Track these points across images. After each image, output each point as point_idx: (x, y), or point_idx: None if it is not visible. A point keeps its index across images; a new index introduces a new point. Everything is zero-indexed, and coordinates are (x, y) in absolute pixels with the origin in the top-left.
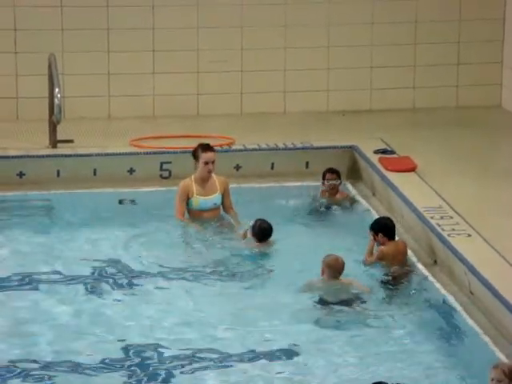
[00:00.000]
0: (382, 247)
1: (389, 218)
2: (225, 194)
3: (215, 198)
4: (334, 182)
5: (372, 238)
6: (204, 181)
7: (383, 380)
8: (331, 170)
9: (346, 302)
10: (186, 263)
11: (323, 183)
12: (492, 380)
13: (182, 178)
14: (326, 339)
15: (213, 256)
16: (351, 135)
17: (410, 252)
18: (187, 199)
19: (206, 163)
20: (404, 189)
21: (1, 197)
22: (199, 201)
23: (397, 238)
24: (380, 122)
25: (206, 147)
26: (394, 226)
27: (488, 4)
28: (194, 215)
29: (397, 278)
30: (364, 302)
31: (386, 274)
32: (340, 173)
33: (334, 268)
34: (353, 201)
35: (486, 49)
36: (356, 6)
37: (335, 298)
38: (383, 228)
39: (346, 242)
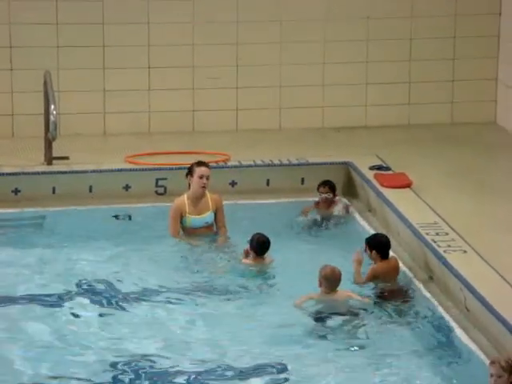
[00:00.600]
0: (375, 266)
1: (385, 237)
2: (218, 212)
3: (207, 217)
4: (325, 195)
5: (365, 250)
6: (197, 198)
7: None
8: (324, 183)
9: (343, 316)
10: (181, 280)
11: (319, 195)
12: (492, 376)
13: (177, 194)
14: (321, 353)
15: (208, 273)
16: (346, 151)
17: (405, 268)
18: (181, 218)
19: (201, 177)
20: (399, 205)
21: None
22: (191, 220)
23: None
24: (375, 139)
25: (201, 162)
26: (389, 244)
27: (483, 20)
28: (188, 232)
29: (391, 294)
30: (360, 316)
31: (381, 292)
32: (334, 185)
33: (331, 279)
34: (348, 209)
35: (481, 65)
36: (351, 23)
37: (333, 312)
38: (378, 246)
39: (342, 254)
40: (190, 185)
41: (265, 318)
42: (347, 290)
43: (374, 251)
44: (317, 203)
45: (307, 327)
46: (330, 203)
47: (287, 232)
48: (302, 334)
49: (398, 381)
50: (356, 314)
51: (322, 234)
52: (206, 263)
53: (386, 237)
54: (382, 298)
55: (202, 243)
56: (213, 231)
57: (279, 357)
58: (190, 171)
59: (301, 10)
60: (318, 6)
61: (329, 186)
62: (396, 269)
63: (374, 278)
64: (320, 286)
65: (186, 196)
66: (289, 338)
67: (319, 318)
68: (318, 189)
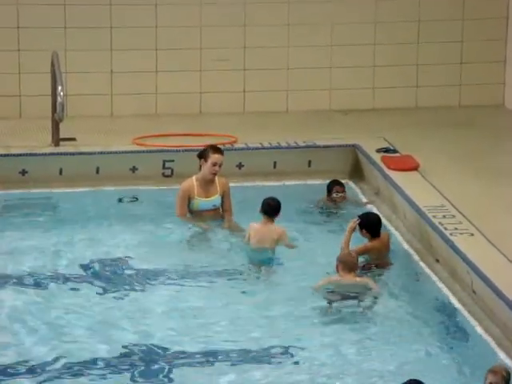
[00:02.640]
0: (368, 244)
1: (376, 216)
2: (224, 196)
3: (215, 200)
4: (342, 194)
5: (357, 226)
6: (207, 182)
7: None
8: (338, 183)
9: (356, 300)
10: (188, 262)
11: (329, 195)
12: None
13: (184, 176)
14: (332, 337)
15: (214, 255)
16: (354, 134)
17: (412, 251)
18: (188, 200)
19: (214, 164)
20: (406, 188)
21: (3, 195)
22: (199, 203)
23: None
24: (382, 121)
25: (217, 149)
26: (379, 224)
27: (491, 2)
28: (195, 215)
29: (379, 265)
30: (370, 301)
31: (369, 263)
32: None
33: (347, 263)
34: (358, 204)
35: (489, 48)
36: (359, 5)
37: (348, 296)
38: (368, 225)
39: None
40: (200, 167)
41: (274, 301)
42: (365, 276)
43: (363, 230)
44: (330, 200)
45: (321, 311)
46: (342, 199)
47: (295, 215)
48: (314, 316)
49: (404, 363)
50: (366, 299)
51: (331, 218)
52: (212, 245)
53: (377, 216)
54: (368, 268)
55: (209, 225)
56: (219, 215)
57: (289, 340)
58: (203, 155)
59: None
60: None
61: (341, 184)
62: (387, 245)
63: (364, 253)
64: (337, 270)
65: (194, 178)
66: (300, 322)
67: (334, 301)
68: (331, 189)
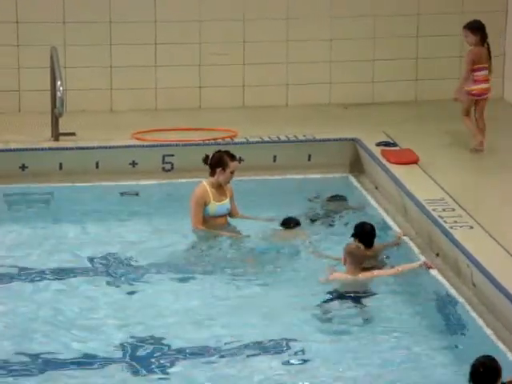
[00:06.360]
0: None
1: (371, 227)
2: (231, 199)
3: (227, 204)
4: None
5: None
6: (218, 186)
7: None
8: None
9: (362, 294)
10: (190, 257)
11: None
12: None
13: (184, 170)
14: (336, 332)
15: (219, 251)
16: (353, 128)
17: (412, 244)
18: (204, 206)
19: (232, 172)
20: (406, 181)
21: (3, 189)
22: (216, 207)
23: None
24: (382, 115)
25: (233, 155)
26: (372, 235)
27: None
28: (208, 222)
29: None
30: (377, 295)
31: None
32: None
33: (356, 255)
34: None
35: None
36: None
37: (355, 290)
38: (361, 235)
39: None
40: (214, 172)
41: (276, 296)
42: (373, 270)
43: (357, 239)
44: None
45: (324, 307)
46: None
47: (295, 209)
48: (319, 312)
49: (405, 357)
50: (374, 294)
51: (332, 214)
52: (215, 241)
53: (371, 227)
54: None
55: (236, 233)
56: (227, 221)
57: (294, 336)
58: (221, 163)
59: None
60: None
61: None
62: (375, 257)
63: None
64: (345, 263)
65: (206, 183)
66: (305, 317)
67: (340, 296)
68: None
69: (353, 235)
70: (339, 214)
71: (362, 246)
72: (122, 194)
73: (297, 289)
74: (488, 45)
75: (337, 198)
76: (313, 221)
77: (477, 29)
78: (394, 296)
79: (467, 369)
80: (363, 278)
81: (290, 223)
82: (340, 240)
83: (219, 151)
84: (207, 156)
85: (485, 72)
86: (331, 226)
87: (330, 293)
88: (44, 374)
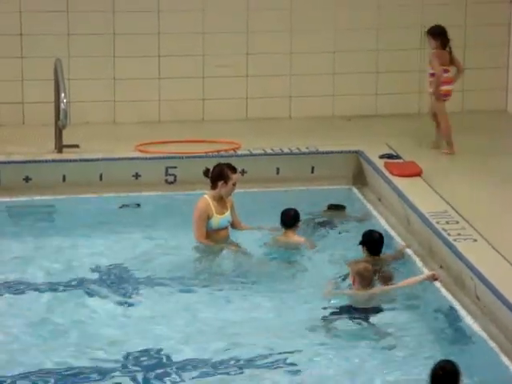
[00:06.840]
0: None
1: (379, 235)
2: (232, 211)
3: (228, 216)
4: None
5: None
6: (221, 199)
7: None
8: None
9: (367, 312)
10: (193, 268)
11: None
12: None
13: (187, 183)
14: (337, 348)
15: (222, 260)
16: (357, 140)
17: (415, 257)
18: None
19: (234, 184)
20: (409, 193)
21: (7, 201)
22: (219, 220)
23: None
24: (385, 127)
25: (233, 168)
26: (379, 243)
27: (494, 9)
28: (211, 235)
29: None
30: (383, 311)
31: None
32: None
33: (365, 277)
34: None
35: (492, 53)
36: (362, 11)
37: (359, 307)
38: (368, 243)
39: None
40: (215, 186)
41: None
42: (379, 286)
43: (364, 247)
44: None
45: (330, 320)
46: None
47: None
48: (323, 326)
49: (409, 370)
50: (378, 307)
51: (333, 225)
52: (218, 251)
53: (379, 235)
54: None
55: (238, 246)
56: (229, 234)
57: (293, 349)
58: (223, 176)
59: None
60: None
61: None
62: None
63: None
64: (354, 283)
65: (208, 197)
66: (310, 332)
67: (344, 310)
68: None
69: (361, 243)
70: (338, 223)
71: (369, 266)
72: (121, 206)
73: (301, 302)
74: (450, 49)
75: (336, 207)
76: (313, 228)
77: (438, 34)
78: (397, 309)
79: (470, 382)
80: (370, 293)
81: (288, 219)
82: (341, 246)
83: (220, 164)
84: (208, 169)
85: (448, 74)
86: (328, 233)
87: (334, 307)
88: None
